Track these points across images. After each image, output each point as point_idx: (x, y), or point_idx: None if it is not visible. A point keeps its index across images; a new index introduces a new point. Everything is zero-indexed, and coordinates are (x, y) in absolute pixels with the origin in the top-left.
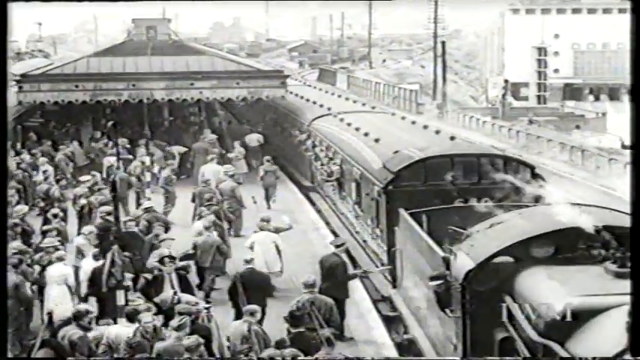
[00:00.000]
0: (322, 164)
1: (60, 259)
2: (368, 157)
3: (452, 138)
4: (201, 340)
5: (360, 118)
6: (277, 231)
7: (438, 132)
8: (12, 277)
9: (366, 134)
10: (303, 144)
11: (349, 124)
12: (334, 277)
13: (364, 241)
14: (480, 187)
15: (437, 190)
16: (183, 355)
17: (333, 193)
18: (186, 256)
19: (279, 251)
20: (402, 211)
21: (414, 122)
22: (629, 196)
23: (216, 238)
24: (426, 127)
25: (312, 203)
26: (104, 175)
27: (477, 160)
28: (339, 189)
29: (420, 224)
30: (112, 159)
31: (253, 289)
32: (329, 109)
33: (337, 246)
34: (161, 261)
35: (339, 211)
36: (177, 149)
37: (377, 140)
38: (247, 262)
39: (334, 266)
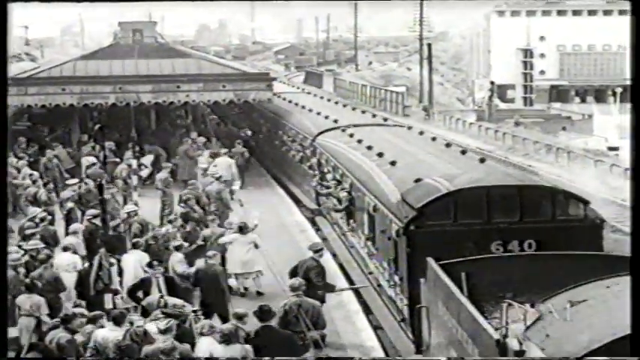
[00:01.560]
0: (328, 187)
1: (67, 248)
2: (383, 184)
3: (482, 160)
4: (177, 344)
5: (372, 134)
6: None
7: (464, 152)
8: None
9: (379, 155)
10: (307, 160)
11: (360, 141)
12: (309, 281)
13: (379, 285)
14: (522, 226)
15: (469, 231)
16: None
17: (341, 222)
18: (197, 248)
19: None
20: (431, 263)
21: (434, 138)
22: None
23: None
24: (448, 145)
25: (318, 229)
26: (83, 175)
27: (518, 192)
28: (349, 217)
29: (455, 279)
30: (91, 158)
31: (208, 287)
32: (335, 121)
33: (315, 251)
34: (149, 264)
35: (348, 243)
36: (147, 159)
37: (393, 163)
38: (210, 257)
39: (310, 269)
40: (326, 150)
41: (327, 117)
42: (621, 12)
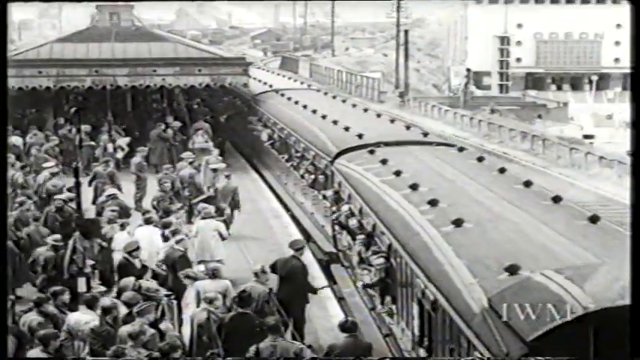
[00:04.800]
0: (352, 233)
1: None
2: (448, 264)
3: (593, 219)
4: (147, 328)
5: (411, 160)
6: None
7: (557, 199)
8: None
9: (432, 203)
10: (322, 187)
11: (398, 174)
12: (293, 283)
13: None
14: None
15: None
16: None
17: (369, 285)
18: (206, 199)
19: (223, 239)
20: None
21: (502, 170)
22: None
23: (234, 185)
24: (528, 184)
25: (334, 281)
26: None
27: None
28: (384, 291)
29: None
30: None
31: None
32: (360, 136)
33: (297, 249)
34: (130, 252)
35: (379, 321)
36: (123, 141)
37: (458, 223)
38: (177, 242)
39: (294, 270)
40: (349, 182)
41: (347, 129)
42: (599, 0)
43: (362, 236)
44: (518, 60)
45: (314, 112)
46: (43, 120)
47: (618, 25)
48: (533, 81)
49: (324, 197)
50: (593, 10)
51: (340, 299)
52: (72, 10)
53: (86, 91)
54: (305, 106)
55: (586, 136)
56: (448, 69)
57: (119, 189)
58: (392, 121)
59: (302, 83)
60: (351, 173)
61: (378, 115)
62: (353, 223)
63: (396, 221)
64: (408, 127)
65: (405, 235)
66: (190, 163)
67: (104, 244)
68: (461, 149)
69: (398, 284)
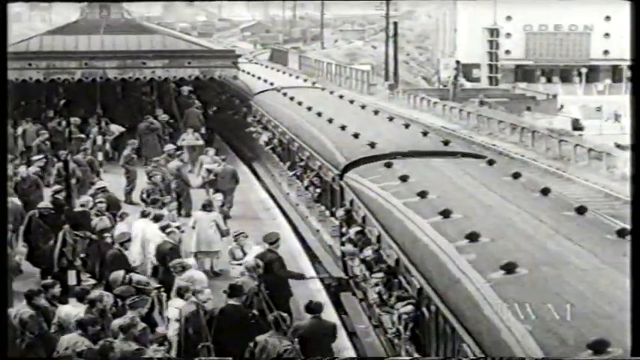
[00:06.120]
0: (367, 263)
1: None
2: (505, 330)
3: None
4: (138, 321)
5: (436, 177)
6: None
7: (622, 233)
8: None
9: (471, 237)
10: (330, 203)
11: (423, 195)
12: (273, 276)
13: None
14: None
15: None
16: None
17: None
18: (205, 184)
19: (221, 232)
20: None
21: (545, 191)
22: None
23: (232, 168)
24: (582, 210)
25: (344, 312)
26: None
27: None
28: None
29: None
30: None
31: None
32: (372, 145)
33: (271, 243)
34: (122, 243)
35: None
36: (115, 128)
37: (510, 269)
38: (168, 234)
39: (271, 262)
40: (364, 203)
41: (356, 136)
42: None
43: (382, 273)
44: (508, 52)
45: (319, 114)
46: (34, 112)
47: (607, 18)
48: (523, 73)
49: (333, 215)
50: (582, 2)
51: (352, 334)
52: (61, 3)
53: (76, 83)
54: (309, 108)
55: (575, 128)
56: (438, 61)
57: (97, 175)
58: (406, 126)
59: (305, 80)
60: (365, 191)
61: (391, 119)
62: (368, 253)
63: (428, 260)
64: (425, 134)
65: (442, 281)
66: (170, 155)
67: (94, 236)
68: (490, 162)
69: (432, 340)
